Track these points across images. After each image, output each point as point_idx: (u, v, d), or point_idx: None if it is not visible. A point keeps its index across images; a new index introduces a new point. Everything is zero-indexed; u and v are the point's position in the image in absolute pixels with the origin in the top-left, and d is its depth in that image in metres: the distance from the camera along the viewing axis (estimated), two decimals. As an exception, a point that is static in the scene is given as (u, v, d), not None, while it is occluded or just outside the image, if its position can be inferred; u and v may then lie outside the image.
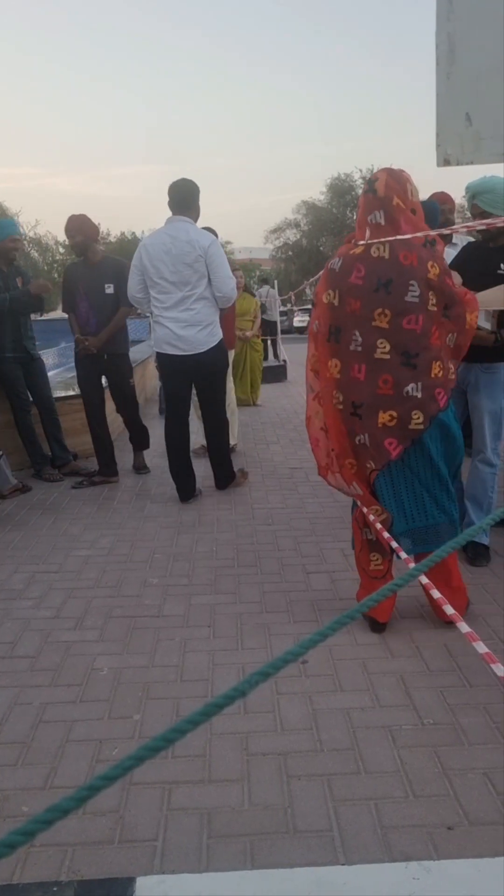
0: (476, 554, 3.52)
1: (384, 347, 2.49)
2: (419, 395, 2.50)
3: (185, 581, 3.42)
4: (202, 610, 3.10)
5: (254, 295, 9.61)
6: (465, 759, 2.05)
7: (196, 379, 4.61)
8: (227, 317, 5.20)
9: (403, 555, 2.27)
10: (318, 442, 2.82)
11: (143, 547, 3.91)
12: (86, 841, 1.79)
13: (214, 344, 4.47)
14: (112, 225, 63.37)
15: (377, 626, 2.83)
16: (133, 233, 36.95)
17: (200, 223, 4.51)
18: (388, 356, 2.49)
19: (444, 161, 0.91)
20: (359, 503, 2.77)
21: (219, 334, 4.52)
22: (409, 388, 2.49)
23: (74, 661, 2.68)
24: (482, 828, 1.79)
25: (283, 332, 28.32)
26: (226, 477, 5.01)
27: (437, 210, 3.93)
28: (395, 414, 2.52)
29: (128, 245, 35.51)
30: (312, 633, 0.74)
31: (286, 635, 2.84)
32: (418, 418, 2.52)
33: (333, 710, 2.32)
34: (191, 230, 4.29)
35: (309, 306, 23.18)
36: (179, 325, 4.36)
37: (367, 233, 2.55)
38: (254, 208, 72.09)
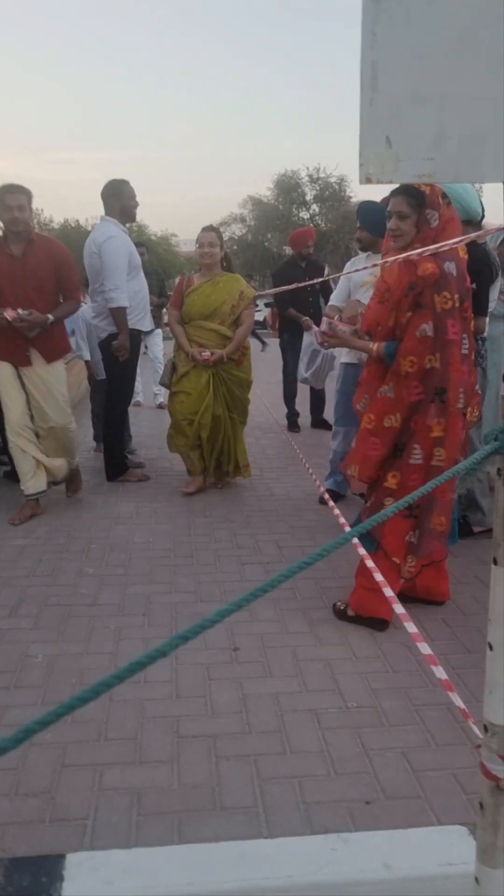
0: None
1: (466, 342, 2.71)
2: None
3: (121, 571, 3.46)
4: (137, 599, 3.14)
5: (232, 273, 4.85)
6: (385, 740, 2.17)
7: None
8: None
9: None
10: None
11: (80, 537, 3.92)
12: (17, 820, 1.83)
13: (110, 332, 4.77)
14: (55, 211, 62.12)
15: (382, 626, 2.84)
16: (77, 220, 36.20)
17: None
18: (467, 350, 2.71)
19: (366, 179, 0.98)
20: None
21: (113, 326, 4.71)
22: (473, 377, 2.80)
23: (7, 649, 2.69)
24: (398, 802, 1.91)
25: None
26: (111, 466, 5.08)
27: None
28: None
29: (71, 233, 34.71)
30: (239, 614, 0.82)
31: (219, 624, 2.90)
32: (475, 410, 2.80)
33: (262, 695, 2.40)
34: (97, 228, 4.76)
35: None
36: (91, 314, 4.99)
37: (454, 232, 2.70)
38: (200, 200, 71.58)
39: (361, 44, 0.96)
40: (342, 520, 2.58)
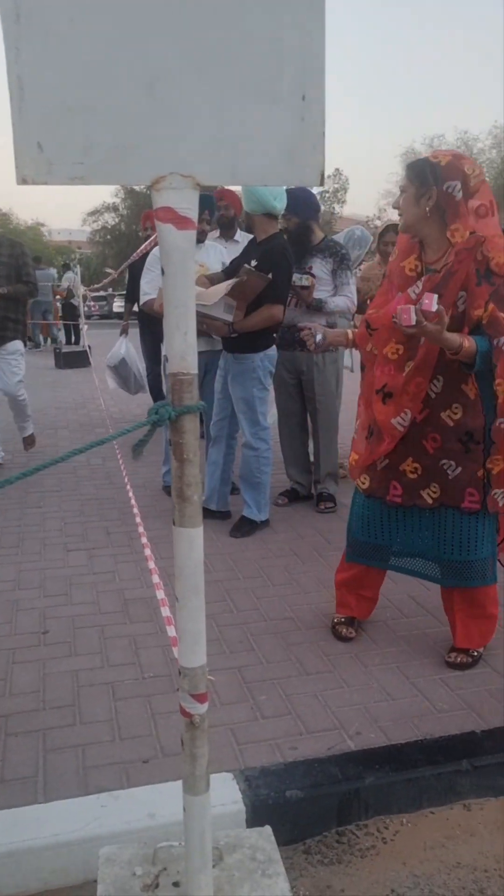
0: (238, 526, 3.82)
1: None
2: None
3: None
4: (-47, 591, 3.13)
5: None
6: (174, 704, 2.31)
7: None
8: None
9: None
10: None
11: None
12: None
13: None
14: None
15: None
16: None
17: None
18: None
19: (23, 180, 1.08)
20: None
21: None
22: None
23: None
24: (174, 758, 2.05)
25: (102, 316, 27.58)
26: None
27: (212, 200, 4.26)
28: None
29: None
30: None
31: (33, 609, 2.96)
32: None
33: (63, 673, 2.49)
34: None
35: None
36: None
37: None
38: (71, 189, 69.36)
39: (6, 58, 1.06)
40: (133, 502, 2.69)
